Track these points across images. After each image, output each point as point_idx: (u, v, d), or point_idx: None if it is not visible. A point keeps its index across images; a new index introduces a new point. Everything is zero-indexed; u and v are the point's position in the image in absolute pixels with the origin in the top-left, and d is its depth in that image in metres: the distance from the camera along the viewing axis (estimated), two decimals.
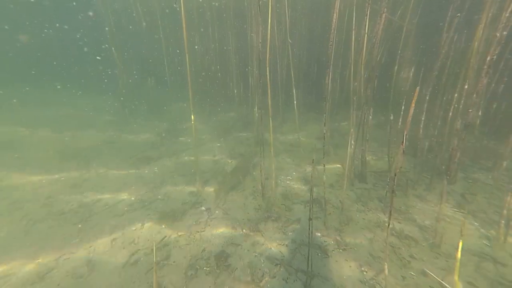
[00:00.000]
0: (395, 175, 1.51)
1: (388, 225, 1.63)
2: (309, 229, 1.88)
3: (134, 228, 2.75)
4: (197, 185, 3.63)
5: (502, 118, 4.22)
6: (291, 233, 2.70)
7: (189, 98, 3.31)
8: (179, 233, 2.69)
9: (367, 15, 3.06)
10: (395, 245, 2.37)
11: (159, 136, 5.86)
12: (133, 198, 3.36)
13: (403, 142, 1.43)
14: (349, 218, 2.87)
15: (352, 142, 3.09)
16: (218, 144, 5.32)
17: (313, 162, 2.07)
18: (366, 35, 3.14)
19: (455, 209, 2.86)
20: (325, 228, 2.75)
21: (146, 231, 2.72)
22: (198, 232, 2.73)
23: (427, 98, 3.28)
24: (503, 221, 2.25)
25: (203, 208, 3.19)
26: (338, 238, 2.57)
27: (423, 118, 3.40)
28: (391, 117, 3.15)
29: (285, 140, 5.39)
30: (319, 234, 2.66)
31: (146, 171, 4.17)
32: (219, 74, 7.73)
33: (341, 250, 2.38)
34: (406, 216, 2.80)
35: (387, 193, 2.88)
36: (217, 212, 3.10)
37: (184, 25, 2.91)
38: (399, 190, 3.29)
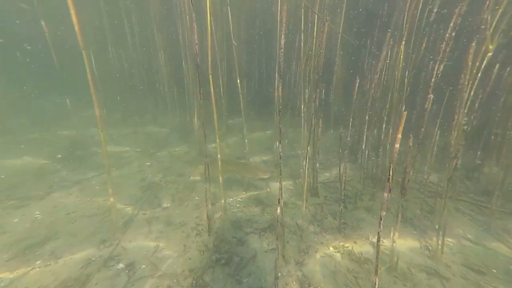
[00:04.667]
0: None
1: None
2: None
3: None
4: (113, 228, 2.60)
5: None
6: (246, 279, 2.17)
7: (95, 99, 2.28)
8: None
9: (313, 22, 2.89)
10: (357, 273, 2.21)
11: (52, 160, 4.16)
12: None
13: (389, 178, 1.12)
14: (308, 244, 2.58)
15: (306, 157, 2.85)
16: (148, 163, 4.23)
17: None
18: (314, 44, 2.98)
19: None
20: (285, 262, 2.36)
21: None
22: None
23: (369, 107, 3.44)
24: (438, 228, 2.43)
25: (120, 265, 2.24)
26: (299, 275, 2.21)
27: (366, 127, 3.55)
28: (341, 130, 3.09)
29: (232, 153, 4.84)
30: (279, 274, 2.23)
31: (16, 220, 2.72)
32: (144, 74, 6.42)
33: None
34: (359, 233, 2.75)
35: (342, 209, 2.77)
36: (143, 267, 2.23)
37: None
38: (349, 203, 3.29)
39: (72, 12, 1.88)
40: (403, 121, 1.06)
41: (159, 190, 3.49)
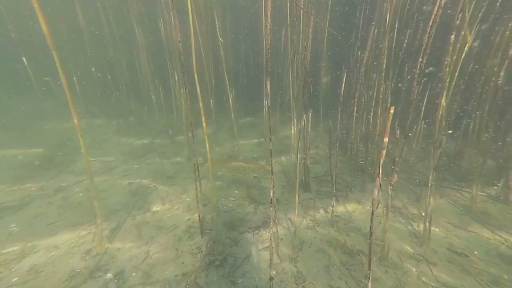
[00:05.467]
0: None
1: None
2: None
3: None
4: (99, 237, 2.49)
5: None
6: (241, 280, 2.16)
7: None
8: None
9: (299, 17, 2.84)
10: (350, 266, 2.25)
11: (28, 167, 3.90)
12: None
13: (379, 172, 1.11)
14: (302, 240, 2.60)
15: (297, 153, 2.84)
16: (136, 166, 4.08)
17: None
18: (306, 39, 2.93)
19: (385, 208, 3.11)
20: (280, 260, 2.37)
21: None
22: None
23: (356, 100, 3.47)
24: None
25: (108, 275, 2.15)
26: (294, 271, 2.23)
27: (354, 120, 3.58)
28: (330, 124, 3.10)
29: (222, 152, 4.77)
30: (274, 272, 2.23)
31: None
32: (126, 72, 6.13)
33: None
34: (351, 225, 2.81)
35: (334, 203, 2.80)
36: (133, 275, 2.16)
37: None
38: (340, 196, 3.34)
39: (36, 7, 1.71)
40: (390, 117, 1.05)
41: (148, 193, 3.38)
